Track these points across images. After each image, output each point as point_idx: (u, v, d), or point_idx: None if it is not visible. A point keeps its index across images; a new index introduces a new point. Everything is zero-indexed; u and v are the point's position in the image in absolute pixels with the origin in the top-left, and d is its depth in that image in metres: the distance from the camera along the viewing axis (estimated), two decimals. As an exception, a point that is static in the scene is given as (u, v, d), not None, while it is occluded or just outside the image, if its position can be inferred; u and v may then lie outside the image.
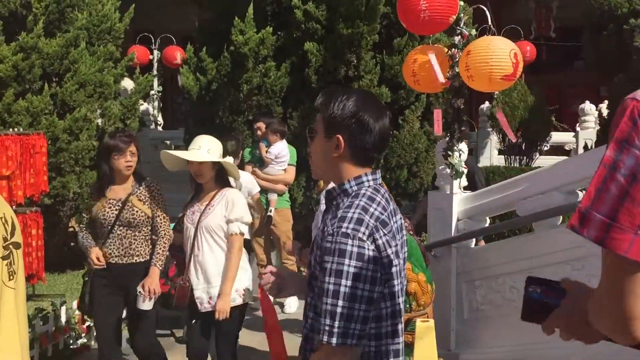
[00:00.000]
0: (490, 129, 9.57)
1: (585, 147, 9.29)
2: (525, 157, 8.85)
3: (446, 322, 4.73)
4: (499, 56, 4.00)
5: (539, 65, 12.29)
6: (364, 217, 1.77)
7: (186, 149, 3.83)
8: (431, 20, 4.07)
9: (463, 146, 4.73)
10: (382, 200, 1.87)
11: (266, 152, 6.11)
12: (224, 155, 4.02)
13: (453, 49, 4.52)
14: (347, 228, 1.73)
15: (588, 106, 10.39)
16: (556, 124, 10.86)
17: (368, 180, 1.89)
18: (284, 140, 6.21)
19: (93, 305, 3.84)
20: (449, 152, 4.63)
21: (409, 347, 3.18)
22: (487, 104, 10.01)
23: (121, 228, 3.74)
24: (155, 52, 11.53)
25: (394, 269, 1.81)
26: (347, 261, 1.71)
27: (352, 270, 1.71)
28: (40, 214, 6.38)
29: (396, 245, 1.84)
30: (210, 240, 3.63)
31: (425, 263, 3.81)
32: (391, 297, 1.83)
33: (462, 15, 4.46)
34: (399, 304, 1.87)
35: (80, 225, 3.94)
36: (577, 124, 10.47)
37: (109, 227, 3.75)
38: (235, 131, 7.27)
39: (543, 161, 8.79)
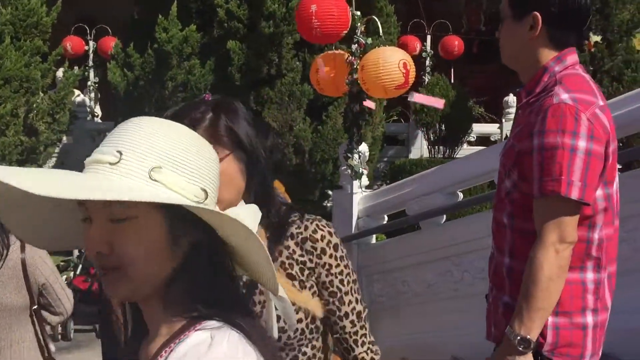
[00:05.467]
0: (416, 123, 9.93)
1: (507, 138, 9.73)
2: (447, 149, 9.27)
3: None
4: (388, 69, 4.30)
5: (472, 58, 12.70)
6: None
7: None
8: (323, 34, 4.33)
9: (363, 147, 5.03)
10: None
11: None
12: None
13: (351, 57, 4.78)
14: None
15: (511, 98, 10.81)
16: (484, 114, 11.29)
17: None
18: None
19: None
20: (349, 154, 4.92)
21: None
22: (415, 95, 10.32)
23: None
24: (91, 42, 11.47)
25: None
26: None
27: None
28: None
29: None
30: None
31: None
32: None
33: (358, 24, 4.73)
34: None
35: None
36: (502, 116, 10.92)
37: None
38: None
39: (465, 151, 9.19)
